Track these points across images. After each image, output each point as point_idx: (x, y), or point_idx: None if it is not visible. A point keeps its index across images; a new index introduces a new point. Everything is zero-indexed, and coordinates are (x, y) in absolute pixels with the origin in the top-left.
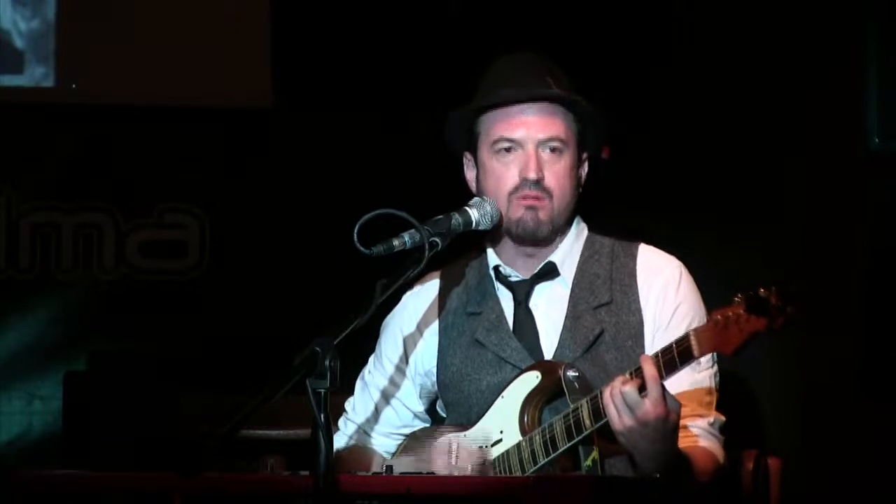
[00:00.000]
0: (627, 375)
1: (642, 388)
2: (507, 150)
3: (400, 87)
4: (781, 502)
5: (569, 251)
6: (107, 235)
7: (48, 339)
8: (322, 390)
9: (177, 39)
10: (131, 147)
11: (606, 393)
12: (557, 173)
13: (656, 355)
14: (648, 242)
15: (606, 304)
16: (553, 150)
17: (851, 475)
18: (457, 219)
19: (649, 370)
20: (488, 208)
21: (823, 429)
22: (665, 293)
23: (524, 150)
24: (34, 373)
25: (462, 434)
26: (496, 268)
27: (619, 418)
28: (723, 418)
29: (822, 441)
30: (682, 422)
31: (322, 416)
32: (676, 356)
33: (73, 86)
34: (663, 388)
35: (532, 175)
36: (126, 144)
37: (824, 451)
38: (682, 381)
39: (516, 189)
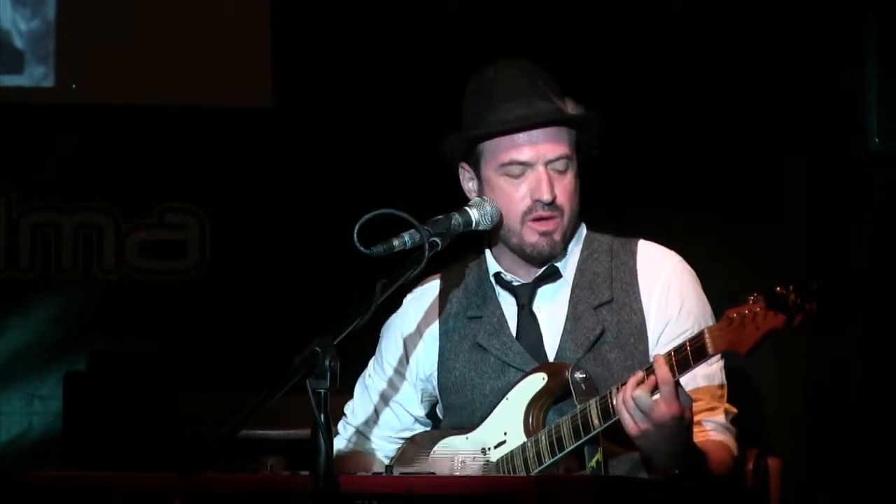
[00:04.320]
0: (641, 374)
1: (655, 389)
2: (517, 171)
3: (399, 87)
4: (781, 502)
5: (570, 252)
6: (107, 235)
7: (48, 339)
8: (322, 390)
9: (177, 40)
10: (131, 147)
11: (618, 400)
12: (566, 188)
13: (669, 354)
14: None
15: (607, 303)
16: (560, 167)
17: (852, 475)
18: (457, 219)
19: (661, 371)
20: (488, 208)
21: (824, 429)
22: (668, 290)
23: (534, 170)
24: (34, 373)
25: (465, 437)
26: (497, 274)
27: (633, 423)
28: (734, 410)
29: (822, 441)
30: (696, 417)
31: (322, 416)
32: (690, 354)
33: (73, 86)
34: (676, 384)
35: (546, 197)
36: (126, 144)
37: (825, 451)
38: (696, 376)
39: (529, 210)
